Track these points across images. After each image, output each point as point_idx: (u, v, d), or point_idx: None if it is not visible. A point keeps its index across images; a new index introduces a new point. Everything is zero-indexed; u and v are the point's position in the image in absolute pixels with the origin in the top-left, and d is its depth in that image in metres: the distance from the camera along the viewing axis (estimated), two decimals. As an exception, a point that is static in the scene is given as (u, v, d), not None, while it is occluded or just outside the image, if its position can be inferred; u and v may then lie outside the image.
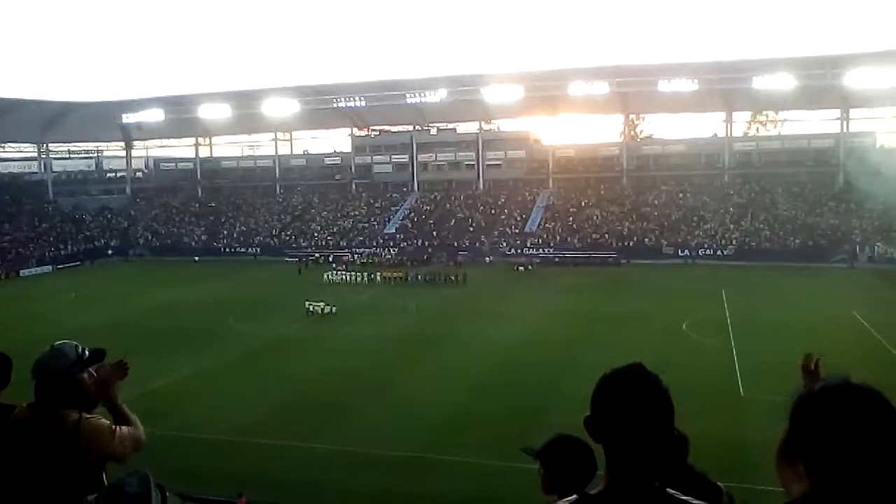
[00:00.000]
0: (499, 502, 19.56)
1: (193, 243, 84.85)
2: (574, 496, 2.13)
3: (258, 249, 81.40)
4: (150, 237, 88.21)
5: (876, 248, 63.53)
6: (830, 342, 28.65)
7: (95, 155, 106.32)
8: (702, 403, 23.11)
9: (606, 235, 73.57)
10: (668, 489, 2.09)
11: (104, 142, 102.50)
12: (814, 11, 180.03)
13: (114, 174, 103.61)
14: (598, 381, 2.14)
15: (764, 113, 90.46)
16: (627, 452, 2.06)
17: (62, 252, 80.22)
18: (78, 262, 78.68)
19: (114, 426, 3.20)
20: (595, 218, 76.81)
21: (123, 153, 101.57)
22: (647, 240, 71.93)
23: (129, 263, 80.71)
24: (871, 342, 35.21)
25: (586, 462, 2.98)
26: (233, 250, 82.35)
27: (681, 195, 77.98)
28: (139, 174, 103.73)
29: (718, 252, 68.25)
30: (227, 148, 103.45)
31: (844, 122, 78.10)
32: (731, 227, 71.54)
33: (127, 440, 3.21)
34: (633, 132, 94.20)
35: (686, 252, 68.92)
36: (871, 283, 52.84)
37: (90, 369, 3.28)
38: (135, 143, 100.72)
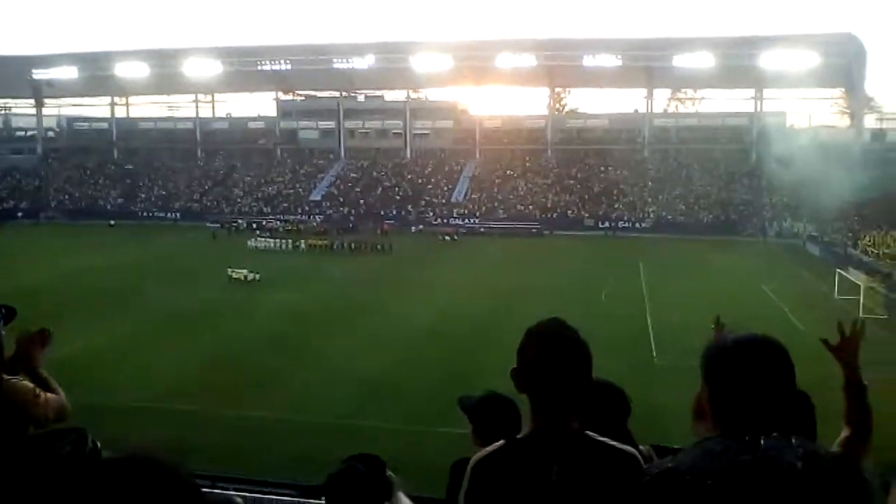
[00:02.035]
0: (421, 465, 19.89)
1: (109, 206, 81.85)
2: (501, 441, 2.32)
3: (178, 214, 79.14)
4: (63, 199, 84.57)
5: (783, 223, 66.57)
6: (739, 312, 30.00)
7: (3, 112, 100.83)
8: (617, 369, 23.67)
9: (531, 207, 74.63)
10: (587, 432, 2.28)
11: (12, 98, 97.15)
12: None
13: (23, 133, 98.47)
14: (523, 335, 2.34)
15: (683, 91, 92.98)
16: (549, 399, 2.25)
17: (-33, 213, 76.27)
18: (-16, 225, 74.95)
19: (37, 390, 3.11)
20: (520, 189, 77.75)
21: (34, 111, 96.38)
22: (569, 212, 73.33)
23: (41, 227, 77.14)
24: (776, 311, 37.16)
25: (512, 416, 3.18)
26: (151, 215, 79.78)
27: (602, 168, 79.63)
28: (50, 133, 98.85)
29: (636, 224, 70.24)
30: (144, 108, 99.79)
31: (758, 102, 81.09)
32: (649, 200, 73.60)
33: (51, 405, 3.12)
34: (558, 106, 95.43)
35: (606, 224, 70.65)
36: (779, 257, 55.58)
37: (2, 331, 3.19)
38: (46, 100, 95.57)
